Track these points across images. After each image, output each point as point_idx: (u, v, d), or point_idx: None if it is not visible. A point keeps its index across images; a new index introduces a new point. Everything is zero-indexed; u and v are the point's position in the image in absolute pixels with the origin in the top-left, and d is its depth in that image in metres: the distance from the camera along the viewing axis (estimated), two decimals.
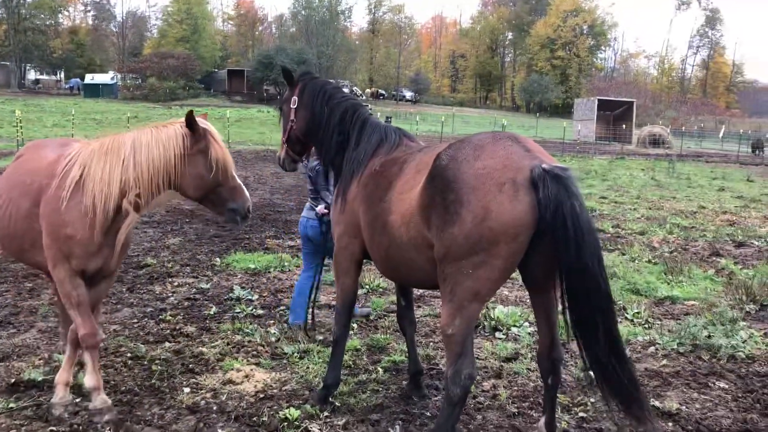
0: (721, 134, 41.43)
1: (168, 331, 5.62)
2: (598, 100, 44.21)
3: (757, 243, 11.08)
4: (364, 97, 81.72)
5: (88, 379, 4.01)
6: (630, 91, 78.30)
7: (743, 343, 5.45)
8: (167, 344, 5.28)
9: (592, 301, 3.11)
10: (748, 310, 6.65)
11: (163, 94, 58.08)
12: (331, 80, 5.17)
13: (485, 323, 5.85)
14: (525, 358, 5.14)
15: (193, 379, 4.61)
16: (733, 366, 5.08)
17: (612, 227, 12.11)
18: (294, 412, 4.04)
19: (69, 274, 3.89)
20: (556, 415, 3.83)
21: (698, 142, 45.93)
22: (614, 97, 50.70)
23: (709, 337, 5.44)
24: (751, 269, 8.71)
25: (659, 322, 6.21)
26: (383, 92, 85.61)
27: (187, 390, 4.43)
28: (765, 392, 4.60)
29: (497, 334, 5.73)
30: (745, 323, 6.04)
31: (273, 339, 5.43)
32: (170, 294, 6.80)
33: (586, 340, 3.20)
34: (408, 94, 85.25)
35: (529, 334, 5.74)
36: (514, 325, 5.87)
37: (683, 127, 52.25)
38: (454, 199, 3.12)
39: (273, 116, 48.49)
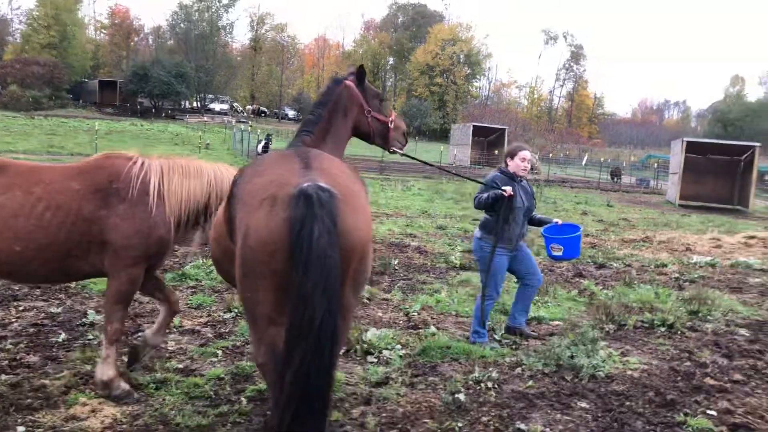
0: (584, 161, 44.28)
1: (6, 362, 5.04)
2: (473, 126, 45.98)
3: (615, 264, 11.75)
4: (244, 114, 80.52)
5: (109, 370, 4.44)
6: (502, 119, 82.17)
7: (603, 362, 5.66)
8: (3, 377, 4.72)
9: (301, 333, 2.82)
10: (607, 330, 6.96)
11: (26, 102, 54.17)
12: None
13: (357, 347, 5.71)
14: (395, 383, 5.05)
15: (30, 416, 4.13)
16: (594, 385, 5.24)
17: None
18: None
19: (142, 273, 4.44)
20: None
21: (563, 169, 48.85)
22: (488, 123, 52.86)
23: (572, 357, 5.59)
24: (610, 290, 9.20)
25: (526, 343, 6.35)
26: (265, 110, 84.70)
27: (21, 429, 3.95)
28: (621, 411, 4.76)
29: (369, 358, 5.61)
30: (604, 343, 6.29)
31: (127, 369, 5.00)
32: (14, 320, 6.15)
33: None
34: (291, 113, 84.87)
35: (401, 356, 5.67)
36: (386, 348, 5.78)
37: (550, 154, 55.42)
38: (232, 216, 3.20)
39: (147, 129, 46.54)
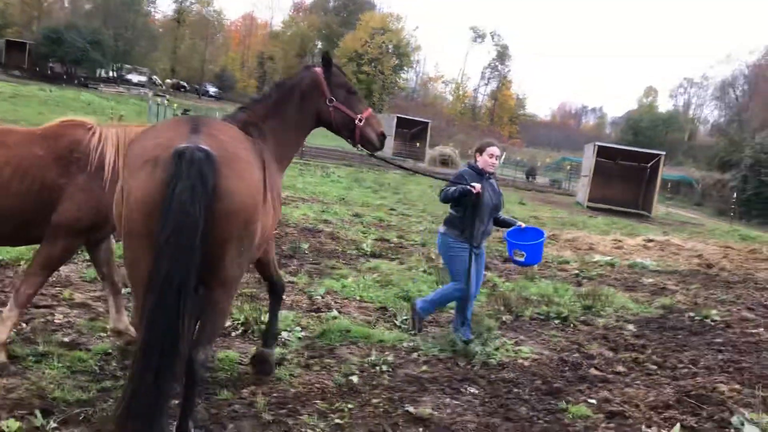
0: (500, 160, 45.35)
1: None
2: (398, 117, 46.24)
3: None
4: (164, 87, 77.75)
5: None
6: (427, 113, 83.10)
7: (496, 350, 5.83)
8: None
9: (151, 285, 2.89)
10: (504, 319, 7.17)
11: None
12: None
13: (255, 327, 5.64)
14: (290, 363, 5.02)
15: None
16: (485, 372, 5.39)
17: (396, 237, 12.55)
18: (13, 424, 3.51)
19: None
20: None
21: None
22: (412, 116, 53.27)
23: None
24: (512, 283, 9.48)
25: (425, 329, 6.45)
26: (185, 85, 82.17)
27: None
28: (509, 397, 4.92)
29: None
30: (500, 332, 6.48)
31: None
32: None
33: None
34: (212, 90, 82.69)
35: (299, 338, 5.64)
36: (286, 330, 5.73)
37: (469, 151, 56.50)
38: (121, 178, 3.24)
39: (57, 96, 44.19)
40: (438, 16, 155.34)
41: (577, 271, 11.47)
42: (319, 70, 4.52)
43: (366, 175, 28.39)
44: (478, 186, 5.81)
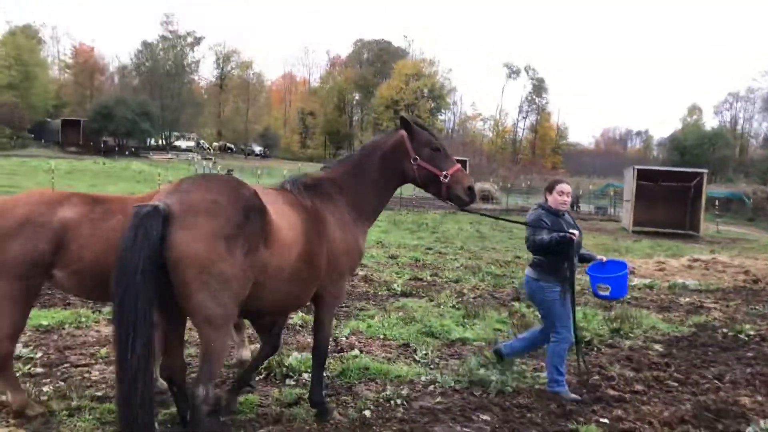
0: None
1: None
2: None
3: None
4: (211, 150, 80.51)
5: None
6: (467, 151, 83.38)
7: (513, 377, 5.91)
8: None
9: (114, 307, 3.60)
10: None
11: None
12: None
13: (276, 371, 5.88)
14: (307, 403, 5.22)
15: None
16: (500, 400, 5.48)
17: (430, 275, 12.70)
18: None
19: None
20: None
21: (525, 199, 49.58)
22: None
23: (482, 371, 5.83)
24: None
25: (445, 362, 6.58)
26: (231, 146, 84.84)
27: None
28: (521, 422, 5.01)
29: (288, 381, 5.78)
30: (519, 359, 6.55)
31: (44, 398, 5.10)
32: None
33: None
34: (257, 149, 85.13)
35: None
36: (306, 371, 5.95)
37: (510, 185, 56.40)
38: None
39: (109, 167, 46.32)
40: (472, 56, 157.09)
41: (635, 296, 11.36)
42: (404, 132, 4.86)
43: (404, 216, 28.67)
44: (576, 232, 5.57)
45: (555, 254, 5.62)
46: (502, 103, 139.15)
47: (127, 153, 62.20)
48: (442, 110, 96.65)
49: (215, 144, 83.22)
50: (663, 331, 8.40)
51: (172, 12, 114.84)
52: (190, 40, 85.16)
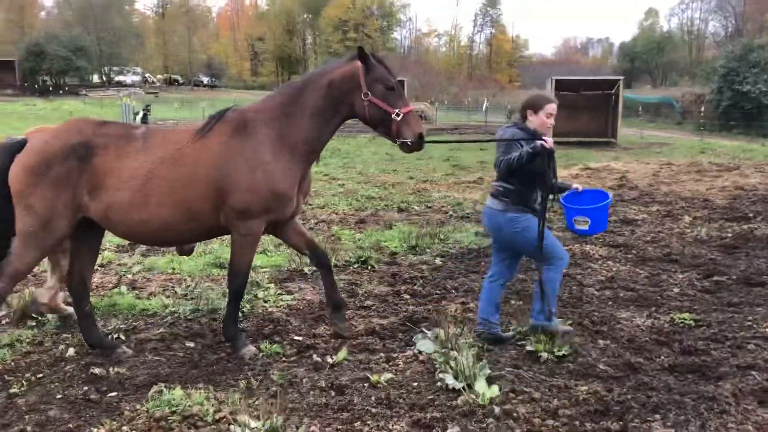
0: (483, 107, 45.12)
1: None
2: None
3: (416, 208, 12.35)
4: (157, 84, 78.53)
5: None
6: (421, 69, 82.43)
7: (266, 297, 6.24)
8: None
9: None
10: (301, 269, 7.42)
11: None
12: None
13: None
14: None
15: None
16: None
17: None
18: None
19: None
20: None
21: (468, 115, 49.68)
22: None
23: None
24: (362, 233, 9.72)
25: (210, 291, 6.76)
26: (178, 78, 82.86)
27: None
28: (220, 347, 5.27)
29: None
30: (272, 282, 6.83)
31: None
32: None
33: None
34: (205, 79, 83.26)
35: None
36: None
37: (465, 101, 56.30)
38: None
39: (40, 109, 45.11)
40: None
41: (460, 212, 11.67)
42: (358, 63, 4.61)
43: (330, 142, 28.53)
44: (549, 140, 4.68)
45: (526, 179, 4.77)
46: (457, 17, 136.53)
47: (60, 92, 60.33)
48: (393, 28, 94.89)
49: (160, 77, 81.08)
50: (462, 245, 8.71)
51: None
52: None
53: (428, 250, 8.39)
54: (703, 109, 33.00)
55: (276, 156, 4.60)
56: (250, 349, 4.91)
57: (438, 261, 7.85)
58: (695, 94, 41.22)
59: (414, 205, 12.62)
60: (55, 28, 68.85)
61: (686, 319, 5.38)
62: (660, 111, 42.48)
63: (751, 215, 10.29)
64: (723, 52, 38.36)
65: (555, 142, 4.74)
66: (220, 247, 8.31)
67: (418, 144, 4.57)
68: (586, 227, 5.21)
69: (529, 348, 4.79)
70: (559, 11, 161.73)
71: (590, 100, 31.06)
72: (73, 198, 4.51)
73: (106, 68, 74.71)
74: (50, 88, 61.63)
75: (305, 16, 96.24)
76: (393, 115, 4.53)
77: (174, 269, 7.67)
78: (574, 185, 5.34)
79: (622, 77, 29.99)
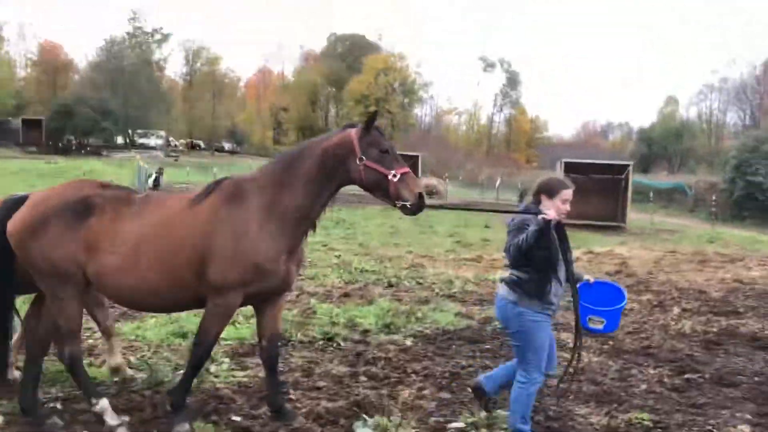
0: (497, 184, 45.37)
1: None
2: None
3: (407, 284, 12.17)
4: (180, 148, 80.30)
5: None
6: (440, 145, 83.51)
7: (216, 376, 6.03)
8: None
9: None
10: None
11: None
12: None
13: None
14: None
15: None
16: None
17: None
18: None
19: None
20: None
21: (482, 193, 49.85)
22: (409, 151, 53.59)
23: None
24: (341, 307, 9.51)
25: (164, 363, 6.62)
26: (199, 143, 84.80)
27: None
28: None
29: None
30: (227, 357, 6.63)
31: None
32: None
33: None
34: (227, 146, 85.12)
35: None
36: None
37: (479, 179, 56.61)
38: None
39: (60, 167, 46.08)
40: (448, 51, 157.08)
41: (448, 290, 11.46)
42: (352, 129, 4.64)
43: (338, 213, 28.68)
44: (550, 212, 4.39)
45: (540, 266, 4.49)
46: (478, 97, 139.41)
47: (83, 152, 61.82)
48: (414, 104, 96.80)
49: (182, 141, 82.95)
50: (440, 325, 8.49)
51: (140, 7, 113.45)
52: (157, 36, 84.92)
53: (403, 330, 8.20)
54: (714, 197, 32.82)
55: (263, 225, 4.51)
56: (184, 427, 4.71)
57: (408, 341, 7.63)
58: (709, 182, 41.18)
59: (405, 280, 12.44)
60: (85, 90, 71.23)
61: (644, 420, 5.10)
62: (673, 197, 42.35)
63: (741, 310, 9.98)
64: (735, 143, 38.43)
65: (566, 224, 4.60)
66: (187, 316, 8.16)
67: (418, 205, 4.47)
68: (600, 327, 4.93)
69: None
70: (580, 95, 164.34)
71: (600, 183, 31.03)
72: (73, 254, 4.56)
73: (130, 131, 76.63)
74: (74, 148, 63.19)
75: (329, 89, 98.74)
76: (389, 177, 4.45)
77: (137, 336, 7.55)
78: (586, 276, 4.96)
79: (631, 162, 30.09)
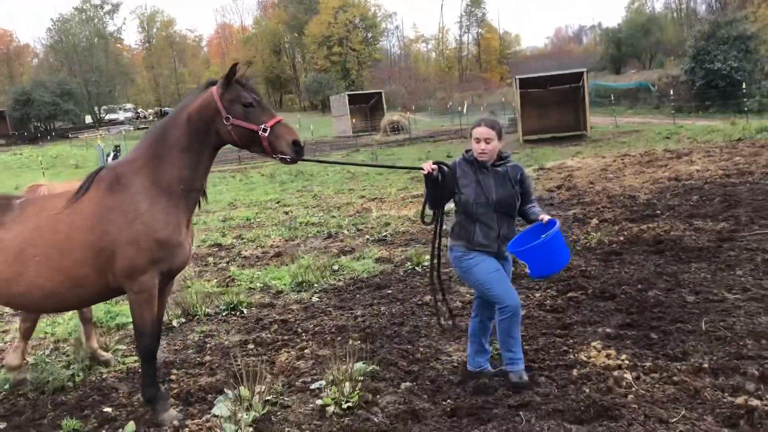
0: (464, 109, 44.82)
1: None
2: (348, 95, 46.14)
3: (346, 232, 12.18)
4: (149, 119, 79.16)
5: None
6: (410, 76, 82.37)
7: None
8: None
9: None
10: (174, 324, 7.29)
11: None
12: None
13: None
14: None
15: None
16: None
17: (232, 239, 12.57)
18: None
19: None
20: None
21: (452, 119, 49.29)
22: (378, 87, 53.11)
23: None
24: (264, 270, 9.54)
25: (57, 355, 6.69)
26: (167, 110, 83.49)
27: None
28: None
29: None
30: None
31: None
32: None
33: None
34: None
35: None
36: None
37: (449, 105, 55.87)
38: None
39: (26, 157, 45.59)
40: None
41: (370, 234, 11.48)
42: (213, 89, 4.44)
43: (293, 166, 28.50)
44: (426, 165, 4.45)
45: (462, 213, 4.59)
46: (443, 20, 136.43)
47: (49, 138, 60.92)
48: (378, 38, 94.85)
49: (150, 111, 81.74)
50: (356, 275, 8.55)
51: None
52: (107, 7, 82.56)
53: (316, 285, 8.26)
54: (672, 91, 32.51)
55: (153, 202, 4.41)
56: (170, 414, 4.69)
57: (315, 298, 7.70)
58: (671, 76, 40.72)
59: (345, 229, 12.48)
60: (42, 74, 69.72)
61: None
62: (638, 96, 41.99)
63: (659, 212, 10.05)
64: (692, 32, 37.86)
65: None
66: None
67: (295, 154, 4.35)
68: (529, 271, 4.41)
69: (319, 402, 4.63)
70: (550, 2, 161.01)
71: (558, 95, 30.82)
72: None
73: (96, 108, 75.36)
74: (39, 135, 62.26)
75: (291, 35, 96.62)
76: (260, 132, 4.30)
77: (46, 333, 7.60)
78: (541, 216, 4.55)
79: (584, 69, 29.70)
